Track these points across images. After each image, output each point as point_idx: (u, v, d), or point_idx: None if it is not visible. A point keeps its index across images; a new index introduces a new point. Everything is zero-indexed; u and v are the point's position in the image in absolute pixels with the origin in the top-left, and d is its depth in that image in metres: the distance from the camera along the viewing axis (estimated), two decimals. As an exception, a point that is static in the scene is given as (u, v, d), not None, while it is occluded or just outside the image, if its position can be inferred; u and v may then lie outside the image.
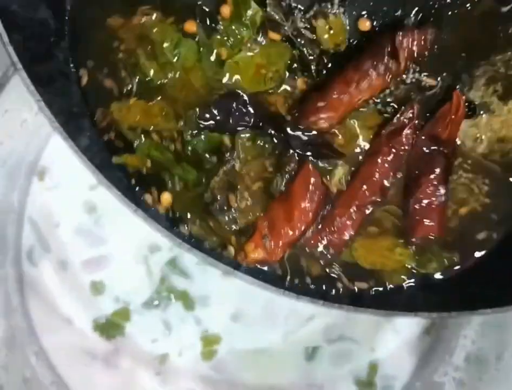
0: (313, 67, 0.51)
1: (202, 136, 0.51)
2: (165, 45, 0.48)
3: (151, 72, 0.49)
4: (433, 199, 0.52)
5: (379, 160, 0.52)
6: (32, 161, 0.76)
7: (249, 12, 0.48)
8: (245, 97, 0.51)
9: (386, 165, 0.52)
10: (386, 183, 0.53)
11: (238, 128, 0.51)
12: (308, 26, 0.50)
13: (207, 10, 0.49)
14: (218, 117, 0.50)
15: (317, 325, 0.79)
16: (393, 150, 0.52)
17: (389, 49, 0.49)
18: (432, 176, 0.51)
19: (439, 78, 0.51)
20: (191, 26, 0.49)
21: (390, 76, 0.50)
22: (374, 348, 0.79)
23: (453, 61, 0.51)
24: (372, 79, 0.49)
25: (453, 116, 0.51)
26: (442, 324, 0.78)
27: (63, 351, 0.76)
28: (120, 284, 0.77)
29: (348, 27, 0.50)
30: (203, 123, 0.50)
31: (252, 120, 0.51)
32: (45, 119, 0.73)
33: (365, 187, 0.52)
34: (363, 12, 0.50)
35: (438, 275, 0.55)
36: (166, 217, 0.53)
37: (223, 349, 0.78)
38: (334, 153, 0.53)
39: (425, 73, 0.51)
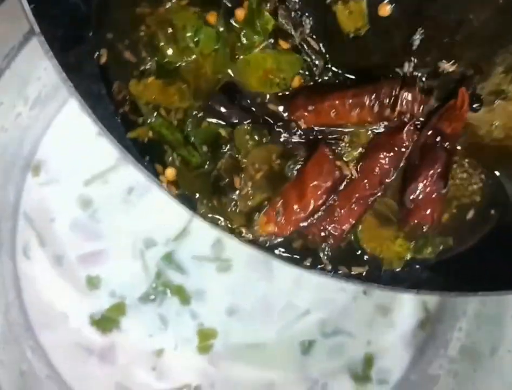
0: (316, 78, 0.52)
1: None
2: (186, 30, 0.50)
3: (170, 53, 0.50)
4: (431, 191, 0.52)
5: (380, 156, 0.53)
6: (27, 156, 0.76)
7: (261, 21, 0.50)
8: (245, 93, 0.52)
9: (387, 161, 0.53)
10: (386, 179, 0.53)
11: (234, 121, 0.52)
12: (315, 37, 0.51)
13: (229, 6, 0.50)
14: (219, 109, 0.51)
15: (313, 319, 0.79)
16: (395, 148, 0.52)
17: (389, 100, 0.50)
18: (432, 169, 0.52)
19: (455, 65, 0.51)
20: (212, 17, 0.51)
21: (381, 119, 0.51)
22: (370, 341, 0.80)
23: (471, 48, 0.50)
24: (364, 111, 0.50)
25: (457, 113, 0.51)
26: (438, 318, 0.79)
27: (59, 346, 0.76)
28: (116, 278, 0.77)
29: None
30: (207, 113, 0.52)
31: (250, 115, 0.52)
32: (40, 113, 0.74)
33: (365, 180, 0.53)
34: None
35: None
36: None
37: (219, 343, 0.79)
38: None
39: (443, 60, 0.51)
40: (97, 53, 0.51)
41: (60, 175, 0.77)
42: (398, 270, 0.55)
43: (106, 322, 0.77)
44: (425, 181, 0.52)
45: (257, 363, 0.79)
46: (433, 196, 0.52)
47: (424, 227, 0.53)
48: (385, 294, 0.79)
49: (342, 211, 0.53)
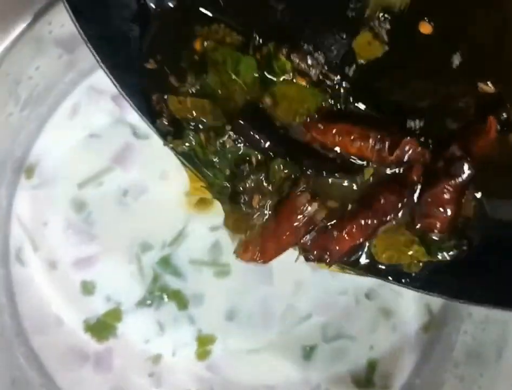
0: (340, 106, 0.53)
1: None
2: (226, 63, 0.52)
3: (213, 82, 0.52)
4: (446, 201, 0.52)
5: (385, 193, 0.53)
6: (19, 158, 0.75)
7: (278, 63, 0.52)
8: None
9: (392, 199, 0.53)
10: (392, 213, 0.53)
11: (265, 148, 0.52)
12: (332, 71, 0.52)
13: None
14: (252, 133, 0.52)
15: (315, 323, 0.78)
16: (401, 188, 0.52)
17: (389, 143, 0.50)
18: (452, 181, 0.51)
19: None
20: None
21: (379, 159, 0.51)
22: (372, 346, 0.79)
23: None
24: (365, 146, 0.50)
25: (483, 137, 0.51)
26: (442, 320, 0.78)
27: (53, 352, 0.76)
28: (111, 283, 0.77)
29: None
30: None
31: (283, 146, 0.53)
32: (31, 114, 0.73)
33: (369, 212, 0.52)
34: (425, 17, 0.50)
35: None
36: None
37: (218, 348, 0.78)
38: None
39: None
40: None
41: (53, 177, 0.76)
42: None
43: (101, 327, 0.76)
44: (444, 190, 0.51)
45: (258, 368, 0.78)
46: (447, 206, 0.52)
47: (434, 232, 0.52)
48: (388, 297, 0.79)
49: (339, 234, 0.52)
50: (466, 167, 0.50)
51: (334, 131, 0.51)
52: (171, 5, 0.53)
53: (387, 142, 0.50)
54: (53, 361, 0.75)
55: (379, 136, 0.50)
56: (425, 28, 0.50)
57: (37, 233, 0.76)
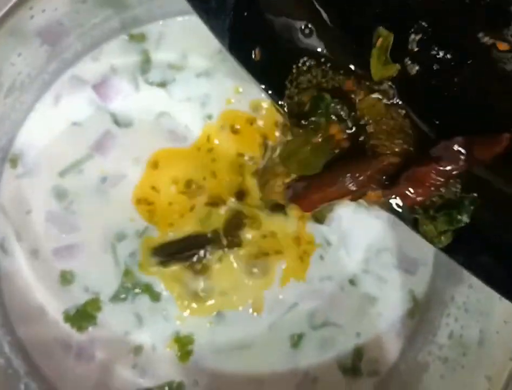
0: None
1: None
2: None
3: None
4: (431, 182, 0.54)
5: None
6: (3, 147, 0.76)
7: None
8: None
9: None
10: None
11: None
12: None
13: None
14: None
15: (301, 311, 0.80)
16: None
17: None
18: (441, 166, 0.53)
19: None
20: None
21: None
22: (359, 333, 0.80)
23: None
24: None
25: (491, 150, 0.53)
26: (426, 306, 0.80)
27: (37, 341, 0.76)
28: (89, 273, 0.77)
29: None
30: None
31: None
32: (15, 103, 0.74)
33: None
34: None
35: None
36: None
37: (202, 342, 0.78)
38: None
39: None
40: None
41: (37, 166, 0.77)
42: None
43: (81, 318, 0.77)
44: (431, 171, 0.54)
45: (245, 359, 0.79)
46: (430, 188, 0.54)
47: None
48: (372, 284, 0.80)
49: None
50: (458, 161, 0.53)
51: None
52: None
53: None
54: (37, 351, 0.76)
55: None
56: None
57: (20, 222, 0.77)
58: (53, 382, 0.75)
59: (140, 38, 0.79)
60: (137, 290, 0.77)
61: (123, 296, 0.77)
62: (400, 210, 0.59)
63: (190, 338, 0.78)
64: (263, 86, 0.58)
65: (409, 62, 0.54)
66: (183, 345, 0.78)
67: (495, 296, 0.65)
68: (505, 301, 0.63)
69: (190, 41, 0.79)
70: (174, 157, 0.79)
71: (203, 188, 0.79)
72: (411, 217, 0.56)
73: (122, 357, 0.77)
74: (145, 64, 0.79)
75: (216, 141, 0.79)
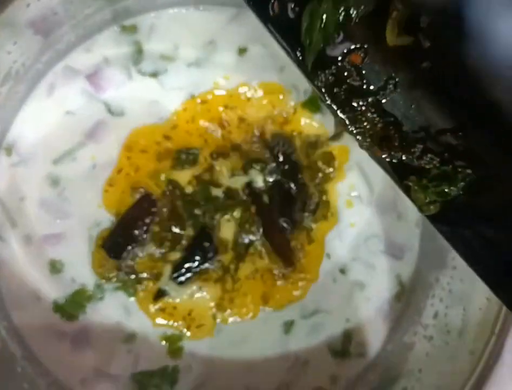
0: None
1: None
2: None
3: None
4: None
5: None
6: (-1, 135, 0.78)
7: None
8: None
9: None
10: None
11: None
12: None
13: None
14: None
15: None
16: None
17: None
18: None
19: None
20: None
21: None
22: (348, 318, 0.82)
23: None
24: None
25: None
26: (412, 289, 0.82)
27: (32, 327, 0.77)
28: (77, 262, 0.79)
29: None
30: None
31: None
32: (10, 92, 0.76)
33: None
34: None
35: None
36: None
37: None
38: None
39: None
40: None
41: (31, 154, 0.79)
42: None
43: (69, 308, 0.78)
44: None
45: (238, 347, 0.81)
46: None
47: None
48: (362, 271, 0.83)
49: None
50: None
51: None
52: None
53: None
54: (32, 337, 0.77)
55: None
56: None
57: (15, 209, 0.78)
58: (49, 366, 0.77)
59: (132, 29, 0.81)
60: (117, 285, 0.79)
61: (107, 287, 0.79)
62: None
63: (179, 334, 0.80)
64: (281, 40, 0.60)
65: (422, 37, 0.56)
66: (173, 342, 0.79)
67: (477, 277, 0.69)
68: None
69: (181, 32, 0.82)
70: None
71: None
72: (403, 183, 0.58)
73: (116, 344, 0.79)
74: (137, 55, 0.81)
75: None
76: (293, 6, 0.58)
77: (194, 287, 0.80)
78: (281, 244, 0.81)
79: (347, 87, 0.59)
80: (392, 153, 0.58)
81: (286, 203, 0.81)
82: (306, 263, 0.82)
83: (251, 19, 0.81)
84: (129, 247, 0.79)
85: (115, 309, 0.79)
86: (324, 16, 0.56)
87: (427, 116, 0.57)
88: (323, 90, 0.59)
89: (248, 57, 0.82)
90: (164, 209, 0.80)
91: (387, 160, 0.58)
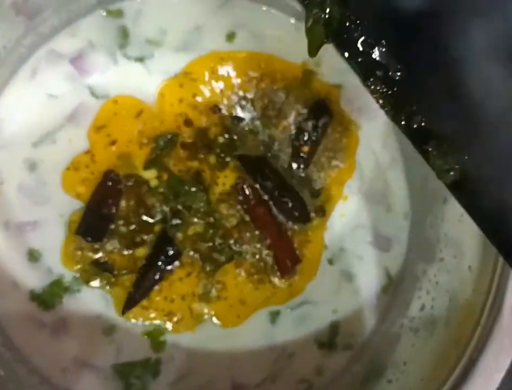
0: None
1: None
2: None
3: None
4: None
5: None
6: (-21, 120, 0.77)
7: None
8: None
9: None
10: None
11: None
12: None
13: None
14: None
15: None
16: None
17: None
18: None
19: None
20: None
21: None
22: (336, 309, 0.83)
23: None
24: None
25: None
26: (400, 281, 0.83)
27: (11, 315, 0.77)
28: (54, 251, 0.78)
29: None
30: None
31: None
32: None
33: None
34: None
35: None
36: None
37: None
38: None
39: None
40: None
41: (11, 138, 0.78)
42: None
43: (47, 297, 0.77)
44: None
45: (222, 335, 0.81)
46: None
47: None
48: (350, 262, 0.83)
49: None
50: None
51: None
52: None
53: None
54: (11, 324, 0.77)
55: None
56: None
57: (-6, 193, 0.78)
58: (28, 354, 0.77)
59: (118, 13, 0.81)
60: (94, 277, 0.79)
61: (85, 277, 0.79)
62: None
63: (160, 328, 0.79)
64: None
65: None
66: (155, 336, 0.79)
67: (465, 266, 0.69)
68: (474, 271, 0.67)
69: (168, 17, 0.81)
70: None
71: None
72: (422, 148, 0.56)
73: (97, 335, 0.79)
74: (123, 40, 0.81)
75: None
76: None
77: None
78: (284, 249, 0.81)
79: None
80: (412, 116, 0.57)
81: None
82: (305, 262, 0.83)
83: (240, 5, 0.83)
84: (105, 227, 0.78)
85: (94, 301, 0.78)
86: None
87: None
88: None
89: (236, 43, 0.83)
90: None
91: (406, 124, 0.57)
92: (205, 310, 0.80)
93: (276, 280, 0.81)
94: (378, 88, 0.56)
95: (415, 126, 0.56)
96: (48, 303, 0.78)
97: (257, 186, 0.81)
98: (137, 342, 0.79)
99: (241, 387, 0.80)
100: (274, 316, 0.82)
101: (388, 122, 0.83)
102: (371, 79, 0.55)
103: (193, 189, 0.80)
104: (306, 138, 0.82)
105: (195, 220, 0.80)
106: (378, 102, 0.56)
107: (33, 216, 0.78)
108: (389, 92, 0.56)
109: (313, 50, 0.57)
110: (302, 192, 0.83)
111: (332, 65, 0.83)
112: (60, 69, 0.80)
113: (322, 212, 0.83)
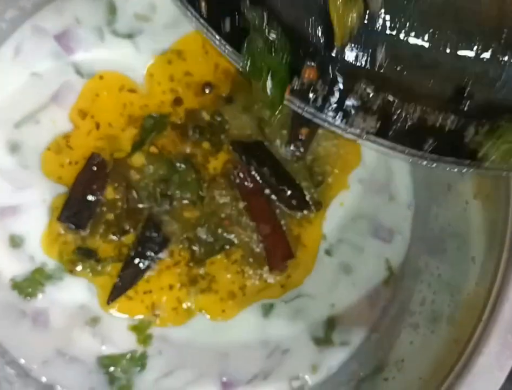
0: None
1: None
2: None
3: None
4: None
5: None
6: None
7: None
8: None
9: None
10: None
11: None
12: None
13: None
14: None
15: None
16: None
17: None
18: None
19: None
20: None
21: None
22: (333, 303, 0.81)
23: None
24: None
25: None
26: (401, 274, 0.81)
27: None
28: (36, 238, 0.77)
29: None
30: None
31: None
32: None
33: None
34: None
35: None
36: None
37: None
38: None
39: None
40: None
41: (-7, 118, 0.77)
42: None
43: (28, 286, 0.77)
44: None
45: (212, 328, 0.79)
46: None
47: None
48: (348, 253, 0.82)
49: None
50: None
51: None
52: None
53: None
54: None
55: None
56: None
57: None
58: (7, 345, 0.76)
59: (106, -12, 0.80)
60: (77, 265, 0.78)
61: (68, 266, 0.78)
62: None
63: (147, 321, 0.78)
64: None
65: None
66: (141, 330, 0.78)
67: (468, 258, 0.67)
68: (478, 263, 0.65)
69: (158, -8, 0.80)
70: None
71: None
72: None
73: (80, 326, 0.78)
74: (111, 15, 0.79)
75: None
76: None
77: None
78: (276, 242, 0.80)
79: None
80: None
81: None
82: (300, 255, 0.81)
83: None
84: (90, 213, 0.77)
85: (78, 290, 0.78)
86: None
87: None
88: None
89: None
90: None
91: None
92: (194, 303, 0.79)
93: (265, 275, 0.80)
94: None
95: None
96: (29, 291, 0.77)
97: (253, 172, 0.79)
98: (123, 334, 0.78)
99: (231, 383, 0.79)
100: (267, 309, 0.80)
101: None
102: None
103: (183, 173, 0.78)
104: (303, 121, 0.79)
105: (185, 206, 0.78)
106: None
107: (14, 200, 0.77)
108: None
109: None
110: (300, 179, 0.81)
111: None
112: (45, 45, 0.78)
113: (319, 205, 0.81)
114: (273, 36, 0.54)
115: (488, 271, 0.63)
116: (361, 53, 0.55)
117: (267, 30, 0.54)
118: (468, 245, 0.68)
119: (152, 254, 0.77)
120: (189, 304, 0.79)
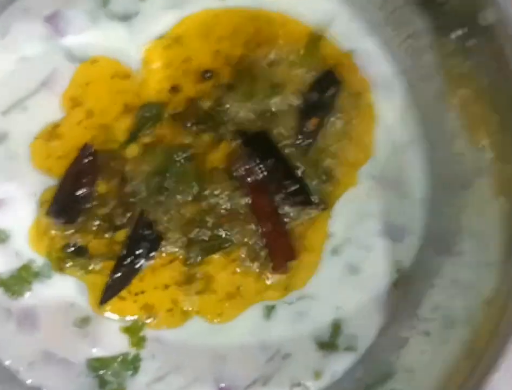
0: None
1: None
2: None
3: None
4: None
5: None
6: None
7: None
8: None
9: None
10: None
11: None
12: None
13: None
14: None
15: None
16: None
17: None
18: None
19: None
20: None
21: None
22: (339, 306, 0.79)
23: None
24: None
25: None
26: (411, 276, 0.79)
27: None
28: (23, 233, 0.76)
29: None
30: None
31: None
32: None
33: None
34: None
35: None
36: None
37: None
38: None
39: None
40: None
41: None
42: None
43: (14, 283, 0.75)
44: None
45: (209, 330, 0.77)
46: None
47: None
48: (355, 253, 0.79)
49: None
50: None
51: None
52: None
53: None
54: None
55: None
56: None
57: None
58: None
59: (98, -34, 0.78)
60: (66, 263, 0.76)
61: (57, 263, 0.76)
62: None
63: (140, 323, 0.77)
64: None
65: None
66: (133, 333, 0.76)
67: (487, 261, 0.65)
68: (497, 266, 0.63)
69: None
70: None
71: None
72: None
73: (69, 327, 0.76)
74: (105, -5, 0.78)
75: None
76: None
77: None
78: (279, 242, 0.77)
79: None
80: None
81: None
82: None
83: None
84: (80, 208, 0.75)
85: (67, 288, 0.76)
86: None
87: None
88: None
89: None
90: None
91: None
92: (191, 304, 0.77)
93: (267, 275, 0.77)
94: None
95: None
96: (16, 290, 0.75)
97: (257, 166, 0.76)
98: (114, 335, 0.76)
99: (228, 388, 0.77)
100: (269, 311, 0.78)
101: (407, 95, 0.80)
102: None
103: (181, 166, 0.76)
104: (311, 111, 0.77)
105: (182, 201, 0.76)
106: None
107: (0, 193, 0.76)
108: None
109: None
110: (306, 174, 0.78)
111: (343, 28, 0.78)
112: (34, 28, 0.77)
113: (326, 202, 0.79)
114: None
115: (509, 275, 0.60)
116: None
117: None
118: (486, 247, 0.66)
119: (146, 252, 0.75)
120: (185, 306, 0.77)
